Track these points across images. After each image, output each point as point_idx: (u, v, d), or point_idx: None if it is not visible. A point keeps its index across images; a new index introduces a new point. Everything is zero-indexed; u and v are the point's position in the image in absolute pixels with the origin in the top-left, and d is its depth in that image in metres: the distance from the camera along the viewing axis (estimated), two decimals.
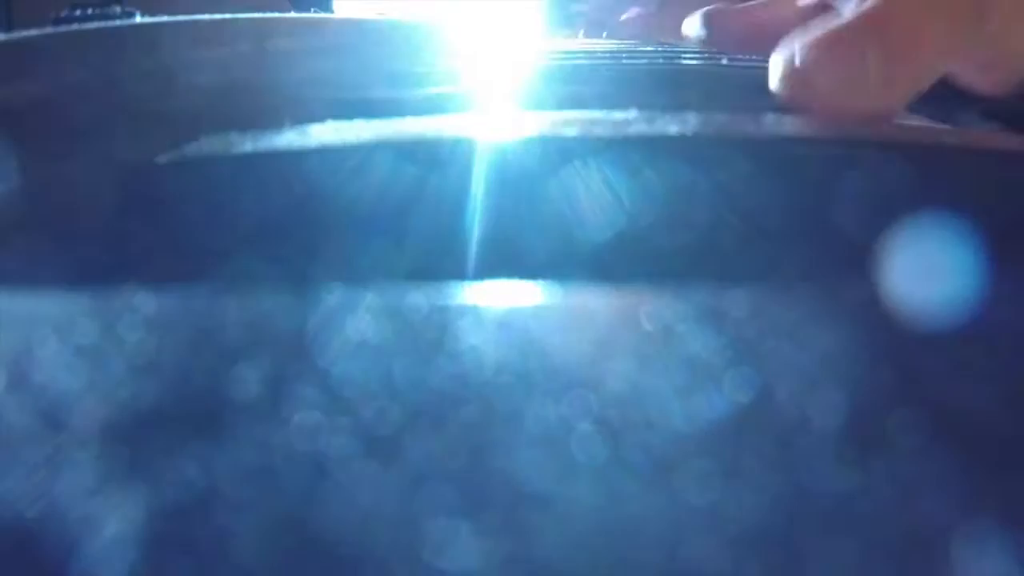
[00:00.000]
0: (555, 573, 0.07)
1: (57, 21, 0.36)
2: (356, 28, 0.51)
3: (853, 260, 0.15)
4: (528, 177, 0.17)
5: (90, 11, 0.38)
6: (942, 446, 0.08)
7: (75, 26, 0.31)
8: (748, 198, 0.18)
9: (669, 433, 0.08)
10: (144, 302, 0.11)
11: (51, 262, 0.17)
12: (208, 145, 0.20)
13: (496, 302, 0.11)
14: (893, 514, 0.07)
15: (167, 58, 0.29)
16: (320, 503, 0.07)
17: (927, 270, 0.12)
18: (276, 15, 0.44)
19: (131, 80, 0.27)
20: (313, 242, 0.17)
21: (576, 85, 0.37)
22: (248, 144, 0.19)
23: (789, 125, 0.21)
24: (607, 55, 0.52)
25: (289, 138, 0.19)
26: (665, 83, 0.40)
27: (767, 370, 0.09)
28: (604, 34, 0.82)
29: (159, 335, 0.10)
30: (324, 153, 0.18)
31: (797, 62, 0.23)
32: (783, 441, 0.08)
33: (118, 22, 0.35)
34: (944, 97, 0.28)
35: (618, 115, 0.21)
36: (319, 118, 0.21)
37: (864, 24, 0.23)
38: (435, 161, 0.17)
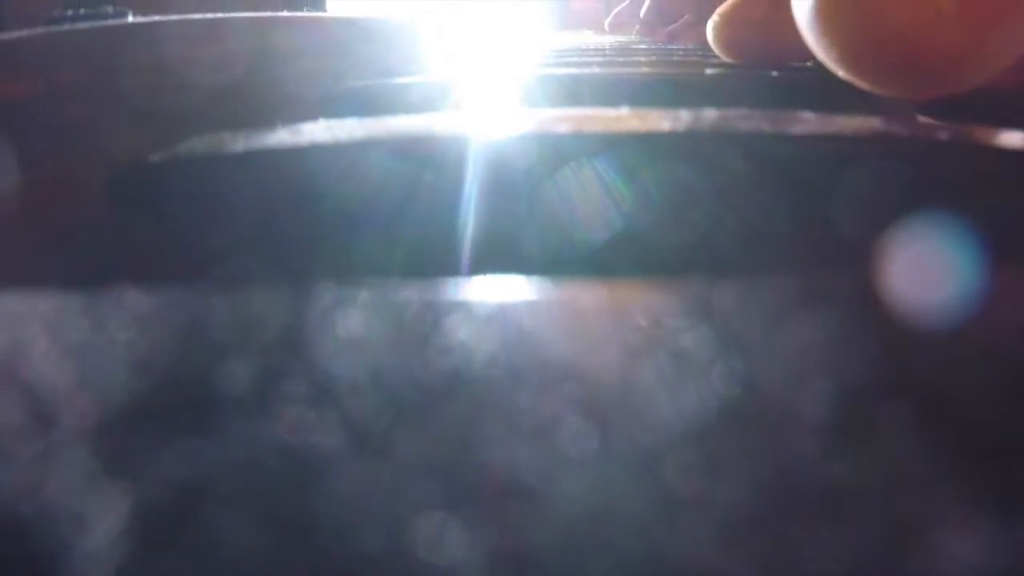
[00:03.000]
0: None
1: (49, 21, 0.36)
2: (348, 27, 0.51)
3: (852, 255, 0.15)
4: (521, 174, 0.17)
5: (82, 11, 0.38)
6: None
7: (67, 26, 0.31)
8: (744, 194, 0.18)
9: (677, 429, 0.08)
10: (137, 301, 0.11)
11: (43, 260, 0.17)
12: (201, 143, 0.20)
13: (489, 297, 0.11)
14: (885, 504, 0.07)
15: (160, 57, 0.29)
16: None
17: (928, 265, 0.12)
18: (269, 14, 0.43)
19: (124, 79, 0.27)
20: (307, 240, 0.17)
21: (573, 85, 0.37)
22: (241, 143, 0.19)
23: (788, 123, 0.21)
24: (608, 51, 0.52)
25: (282, 136, 0.19)
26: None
27: (759, 364, 0.09)
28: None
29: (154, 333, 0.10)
30: (317, 151, 0.18)
31: None
32: (779, 434, 0.08)
33: (111, 22, 0.35)
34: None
35: (609, 112, 0.21)
36: (312, 114, 0.21)
37: None
38: (427, 159, 0.17)
